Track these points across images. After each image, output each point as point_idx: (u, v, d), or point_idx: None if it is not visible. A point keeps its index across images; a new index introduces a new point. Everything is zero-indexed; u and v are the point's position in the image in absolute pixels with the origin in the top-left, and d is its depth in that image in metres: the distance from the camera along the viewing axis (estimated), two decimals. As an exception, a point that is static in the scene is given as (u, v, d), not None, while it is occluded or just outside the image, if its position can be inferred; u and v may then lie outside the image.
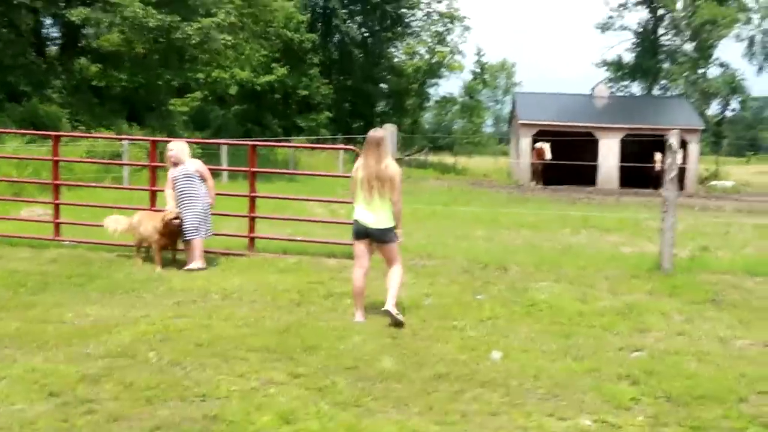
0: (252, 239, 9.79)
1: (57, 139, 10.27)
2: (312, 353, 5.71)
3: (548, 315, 7.12)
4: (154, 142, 10.15)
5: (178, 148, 9.18)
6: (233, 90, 36.33)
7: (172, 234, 9.00)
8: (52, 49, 27.13)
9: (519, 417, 4.58)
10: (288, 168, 29.46)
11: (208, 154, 23.78)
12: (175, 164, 9.06)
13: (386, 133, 7.06)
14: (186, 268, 8.85)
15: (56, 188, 10.32)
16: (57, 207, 10.32)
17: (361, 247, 7.02)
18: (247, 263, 9.22)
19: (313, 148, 31.69)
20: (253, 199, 9.78)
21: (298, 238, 10.03)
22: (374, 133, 6.91)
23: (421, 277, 8.61)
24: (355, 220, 6.94)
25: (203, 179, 9.12)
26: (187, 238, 8.98)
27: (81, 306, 7.09)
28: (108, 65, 25.30)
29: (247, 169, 9.83)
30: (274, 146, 29.29)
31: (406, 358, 5.67)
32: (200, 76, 34.29)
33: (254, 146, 9.83)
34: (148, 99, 27.06)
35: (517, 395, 4.97)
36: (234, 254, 9.68)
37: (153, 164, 10.06)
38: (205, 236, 9.09)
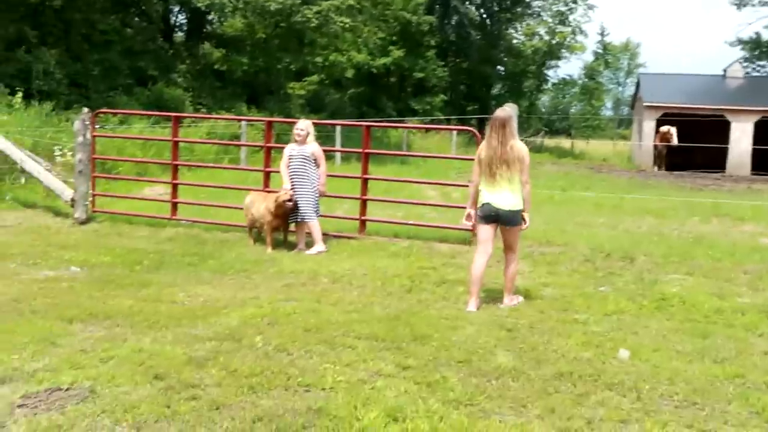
0: (363, 222, 9.58)
1: (177, 120, 10.43)
2: (422, 344, 5.38)
3: (681, 311, 6.47)
4: (269, 122, 10.11)
5: (309, 127, 9.07)
6: (350, 73, 36.48)
7: (285, 215, 8.91)
8: (179, 35, 28.07)
9: (653, 427, 4.06)
10: (401, 150, 29.29)
11: (323, 136, 23.98)
12: (298, 143, 8.93)
13: (512, 112, 6.62)
14: (308, 252, 8.75)
15: (175, 168, 10.50)
16: (175, 187, 10.49)
17: (488, 232, 6.68)
18: (358, 246, 9.01)
19: (427, 130, 31.30)
20: (365, 181, 9.56)
21: (410, 222, 9.74)
22: (500, 112, 6.52)
23: (539, 265, 8.11)
24: (485, 203, 6.58)
25: (317, 164, 8.96)
26: (305, 219, 8.86)
27: (193, 286, 7.09)
28: (230, 50, 25.89)
29: (360, 150, 9.61)
30: (388, 127, 29.15)
31: (523, 354, 5.24)
32: (318, 59, 34.66)
33: (368, 127, 9.60)
34: (268, 82, 27.55)
35: (650, 401, 4.45)
36: (345, 237, 9.50)
37: (268, 145, 10.02)
38: (316, 218, 8.94)
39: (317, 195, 8.98)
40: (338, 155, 21.57)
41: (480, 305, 6.53)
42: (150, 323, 5.77)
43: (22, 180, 12.44)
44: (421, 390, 4.49)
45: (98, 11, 20.06)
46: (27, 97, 17.21)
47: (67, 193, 10.80)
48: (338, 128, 22.42)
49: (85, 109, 10.83)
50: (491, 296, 6.85)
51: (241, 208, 9.66)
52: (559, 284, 7.33)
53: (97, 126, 11.05)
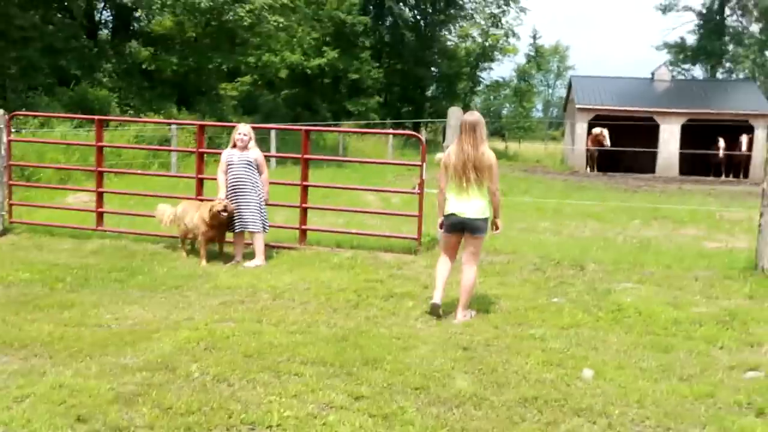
0: (303, 231, 9.12)
1: (100, 123, 9.74)
2: (374, 368, 4.99)
3: (639, 323, 6.26)
4: (201, 126, 9.52)
5: (251, 132, 8.54)
6: (283, 74, 35.80)
7: (221, 226, 8.37)
8: (104, 33, 26.93)
9: (629, 460, 3.78)
10: (337, 154, 28.87)
11: (257, 140, 23.36)
12: (239, 148, 8.38)
13: (479, 116, 6.33)
14: (246, 264, 8.20)
15: (99, 175, 9.80)
16: (100, 195, 9.81)
17: (451, 241, 6.46)
18: (299, 257, 8.55)
19: (374, 133, 30.93)
20: (305, 188, 9.09)
21: (353, 231, 9.33)
22: (468, 116, 6.29)
23: (489, 275, 7.81)
24: (451, 214, 6.32)
25: (259, 171, 8.44)
26: (251, 230, 8.33)
27: (120, 306, 6.51)
28: (159, 49, 24.96)
29: (299, 155, 9.14)
30: (327, 131, 28.66)
31: (483, 377, 4.91)
32: (250, 60, 33.86)
33: (307, 131, 9.13)
34: (198, 83, 26.69)
35: (622, 427, 4.17)
36: (284, 247, 9.02)
37: (201, 150, 9.45)
38: (264, 230, 8.43)
39: (263, 204, 8.46)
40: (273, 160, 20.99)
41: (443, 297, 6.31)
42: (72, 352, 5.20)
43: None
44: (377, 424, 4.10)
45: (16, 6, 18.93)
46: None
47: (-20, 202, 9.97)
48: (273, 132, 21.85)
49: (0, 111, 10.01)
50: (444, 310, 6.50)
51: (172, 219, 9.07)
52: (511, 296, 7.05)
53: (13, 130, 10.22)
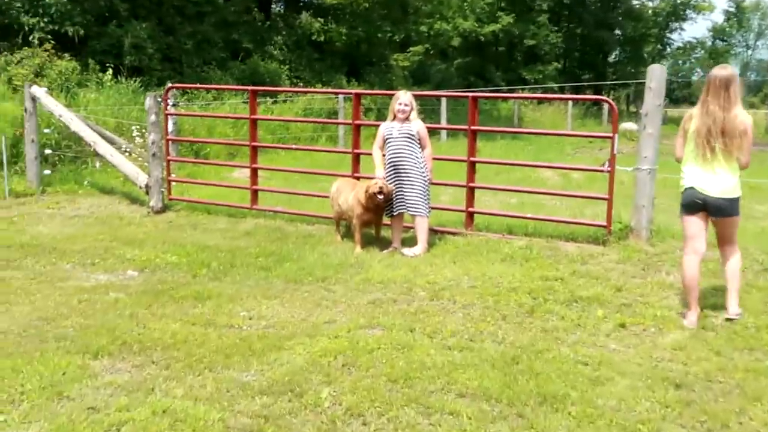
0: (470, 214, 7.95)
1: (254, 95, 9.09)
2: (554, 409, 3.79)
3: None
4: (357, 95, 8.55)
5: (413, 101, 7.41)
6: (456, 42, 34.50)
7: (378, 208, 7.41)
8: (275, 7, 27.03)
9: None
10: (511, 125, 27.31)
11: (426, 110, 22.37)
12: (399, 120, 7.34)
13: (734, 71, 5.00)
14: (404, 251, 7.23)
15: (254, 150, 9.19)
16: (254, 171, 9.21)
17: (696, 225, 5.21)
18: (464, 246, 7.41)
19: (553, 99, 28.93)
20: (472, 165, 7.90)
21: (528, 215, 8.00)
22: (720, 71, 5.10)
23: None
24: (689, 188, 5.17)
25: (422, 145, 7.39)
26: (415, 213, 7.29)
27: (258, 301, 5.74)
28: (329, 20, 24.59)
29: (465, 127, 7.96)
30: (498, 98, 27.12)
31: (708, 435, 3.55)
32: (423, 28, 32.91)
33: (475, 99, 7.91)
34: (369, 54, 26.10)
35: None
36: (448, 232, 7.92)
37: (357, 122, 8.53)
38: (426, 214, 7.37)
39: (427, 184, 7.38)
40: (444, 132, 19.91)
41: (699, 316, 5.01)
42: (191, 361, 4.44)
43: (97, 164, 11.56)
44: None
45: (192, -18, 19.18)
46: (118, 74, 16.51)
47: (141, 178, 9.75)
48: (443, 101, 20.75)
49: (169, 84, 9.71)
50: (636, 319, 5.11)
51: (328, 197, 8.27)
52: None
53: (176, 103, 9.89)
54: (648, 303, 5.56)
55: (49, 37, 16.55)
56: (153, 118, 9.57)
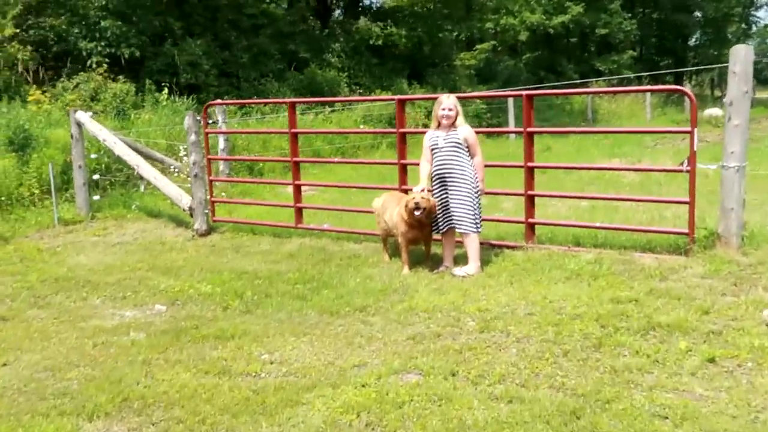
0: (531, 226, 7.10)
1: (293, 107, 8.50)
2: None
3: None
4: (401, 101, 7.83)
5: (457, 105, 6.61)
6: (524, 36, 33.33)
7: (423, 224, 6.67)
8: (334, 14, 26.64)
9: None
10: (585, 119, 26.02)
11: (493, 110, 21.44)
12: (444, 127, 6.60)
13: None
14: (455, 271, 6.47)
15: (296, 166, 8.60)
16: (297, 188, 8.61)
17: None
18: (524, 262, 6.57)
19: (627, 92, 27.43)
20: (530, 171, 7.06)
21: (597, 225, 7.06)
22: None
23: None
24: None
25: (470, 153, 6.61)
26: (463, 230, 6.53)
27: (286, 339, 5.11)
28: (389, 23, 24.00)
29: (521, 129, 7.12)
30: (552, 95, 25.80)
31: None
32: (489, 25, 31.93)
33: (530, 97, 7.06)
34: (432, 55, 25.35)
35: None
36: (506, 246, 7.10)
37: (402, 130, 7.81)
38: (477, 230, 6.58)
39: (478, 196, 6.60)
40: (513, 134, 18.91)
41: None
42: (193, 423, 3.83)
43: (142, 187, 11.24)
44: None
45: (246, -5, 18.93)
46: (174, 93, 16.36)
47: (185, 200, 9.32)
48: (510, 101, 19.75)
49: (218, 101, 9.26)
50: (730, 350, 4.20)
51: (372, 212, 7.59)
52: None
53: (215, 120, 9.42)
54: (743, 329, 4.62)
55: (107, 60, 16.57)
56: (193, 137, 9.13)
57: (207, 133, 9.22)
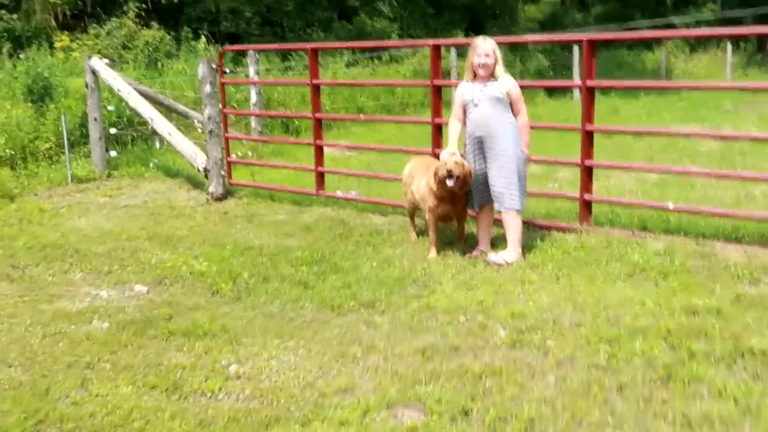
0: (587, 204, 5.87)
1: (314, 53, 7.35)
2: None
3: None
4: (436, 47, 6.56)
5: (496, 50, 5.35)
6: (595, -13, 31.17)
7: (455, 198, 5.52)
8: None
9: None
10: (658, 78, 24.01)
11: (556, 66, 19.84)
12: (480, 78, 5.39)
13: None
14: (490, 258, 5.34)
15: (317, 123, 7.50)
16: (318, 149, 7.54)
17: None
18: (575, 249, 5.38)
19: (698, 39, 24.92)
20: (588, 136, 5.79)
21: (670, 206, 5.76)
22: None
23: None
24: None
25: (514, 110, 5.40)
26: (506, 206, 5.33)
27: (266, 343, 4.12)
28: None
29: (578, 83, 5.84)
30: (620, 40, 23.68)
31: None
32: (556, -25, 29.97)
33: (591, 42, 5.73)
34: (494, 5, 23.71)
35: None
36: (556, 228, 5.91)
37: (435, 82, 6.59)
38: (521, 207, 5.40)
39: (523, 164, 5.39)
40: (576, 90, 17.33)
41: None
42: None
43: (157, 144, 10.34)
44: None
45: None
46: (214, 42, 15.40)
47: (200, 159, 8.38)
48: (575, 52, 18.07)
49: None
50: None
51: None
52: None
53: (233, 70, 8.40)
54: None
55: (144, 6, 15.70)
56: (208, 88, 8.13)
57: (223, 84, 8.19)
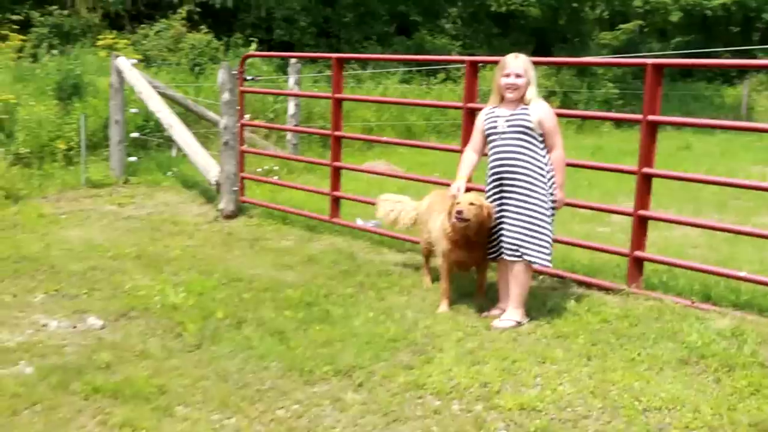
0: (638, 261, 4.80)
1: (339, 64, 6.50)
2: None
3: None
4: (472, 63, 5.61)
5: (530, 69, 4.42)
6: (675, 17, 29.59)
7: (472, 243, 4.56)
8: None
9: None
10: (737, 114, 22.38)
11: (627, 95, 18.58)
12: (509, 102, 4.44)
13: None
14: (495, 324, 4.35)
15: (336, 142, 6.63)
16: (335, 171, 6.66)
17: None
18: (617, 319, 4.34)
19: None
20: (645, 179, 4.75)
21: (741, 274, 4.60)
22: None
23: None
24: None
25: (545, 142, 4.41)
26: (529, 258, 4.35)
27: (197, 419, 3.24)
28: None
29: (637, 117, 4.81)
30: (685, 66, 22.16)
31: None
32: (637, 2, 28.50)
33: (657, 68, 4.68)
34: (565, 29, 22.55)
35: None
36: (594, 286, 4.88)
37: (469, 104, 5.64)
38: (538, 260, 4.40)
39: (550, 210, 4.40)
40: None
41: None
42: None
43: (173, 152, 9.64)
44: None
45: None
46: (267, 49, 14.80)
47: (213, 173, 7.64)
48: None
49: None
50: None
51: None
52: None
53: (254, 77, 7.64)
54: None
55: (198, 9, 15.25)
56: (227, 96, 7.40)
57: (242, 92, 7.42)
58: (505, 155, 4.33)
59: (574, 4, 21.31)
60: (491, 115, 4.44)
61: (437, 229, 4.78)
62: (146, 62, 12.90)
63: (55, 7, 13.87)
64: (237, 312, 4.70)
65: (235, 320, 4.56)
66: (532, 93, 4.34)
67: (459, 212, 4.28)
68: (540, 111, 4.32)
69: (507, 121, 4.35)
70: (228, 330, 4.41)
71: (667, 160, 12.06)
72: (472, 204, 4.32)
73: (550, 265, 4.43)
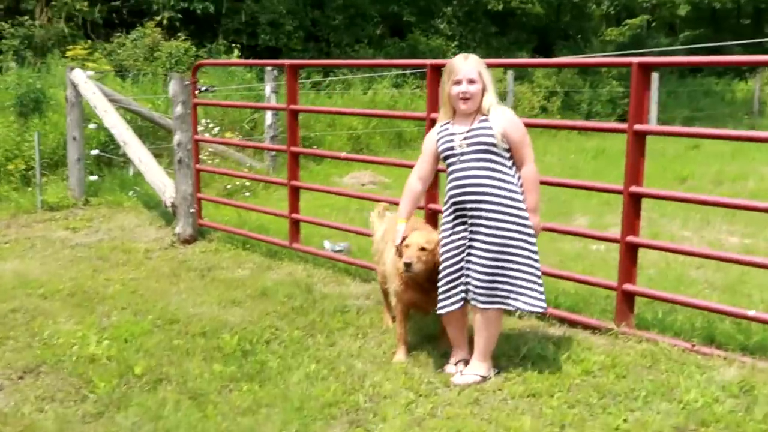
0: (628, 296, 4.05)
1: (293, 71, 5.79)
2: None
3: None
4: (434, 67, 4.87)
5: (484, 73, 3.66)
6: (683, 11, 28.74)
7: (424, 286, 3.84)
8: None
9: None
10: (749, 110, 21.51)
11: (628, 92, 17.77)
12: (461, 114, 3.71)
13: None
14: (456, 380, 3.63)
15: (293, 158, 5.92)
16: (293, 190, 5.95)
17: None
18: (600, 368, 3.61)
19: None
20: (633, 199, 4.01)
21: (750, 312, 3.84)
22: None
23: None
24: None
25: (512, 158, 3.66)
26: (479, 305, 3.63)
27: None
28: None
29: (621, 126, 4.07)
30: (677, 64, 21.34)
31: None
32: (644, -2, 27.76)
33: (644, 67, 3.93)
34: (568, 26, 21.77)
35: None
36: (579, 324, 4.15)
37: (433, 114, 4.91)
38: (532, 308, 3.65)
39: (531, 235, 3.63)
40: (653, 117, 15.25)
41: None
42: None
43: (131, 170, 8.95)
44: None
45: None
46: (249, 56, 14.15)
47: (168, 193, 6.97)
48: (655, 80, 15.95)
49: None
50: None
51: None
52: None
53: (208, 89, 6.95)
54: None
55: (179, 16, 14.63)
56: (179, 109, 6.73)
57: (195, 104, 6.75)
58: (467, 181, 3.58)
59: (576, 0, 20.52)
60: (444, 134, 3.70)
61: (390, 263, 4.07)
62: (121, 73, 12.29)
63: (26, 17, 13.30)
64: (159, 366, 4.02)
65: (153, 377, 3.88)
66: (490, 100, 3.60)
67: (407, 264, 3.57)
68: (502, 121, 3.58)
69: (465, 138, 3.60)
70: (141, 391, 3.73)
71: (675, 161, 11.32)
72: (423, 249, 3.63)
73: (546, 306, 3.68)
